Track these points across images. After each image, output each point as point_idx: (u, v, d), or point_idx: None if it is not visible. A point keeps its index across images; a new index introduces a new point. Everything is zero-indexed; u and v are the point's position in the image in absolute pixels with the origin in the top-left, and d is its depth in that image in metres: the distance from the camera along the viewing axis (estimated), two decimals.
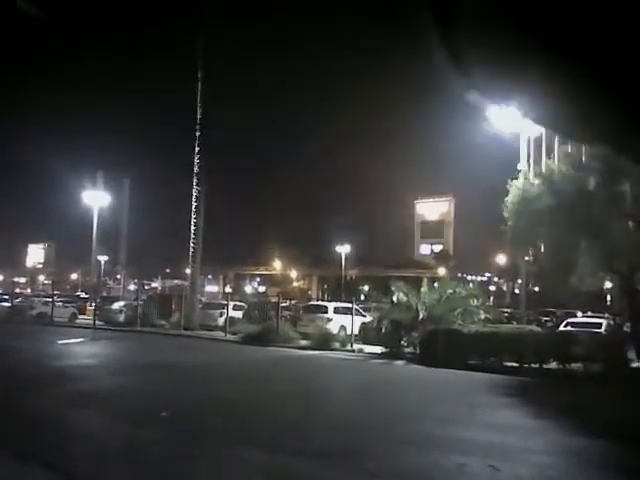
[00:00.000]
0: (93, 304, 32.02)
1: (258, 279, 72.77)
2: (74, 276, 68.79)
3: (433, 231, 72.68)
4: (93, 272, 46.95)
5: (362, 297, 47.93)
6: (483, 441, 7.05)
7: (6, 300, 32.66)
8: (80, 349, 17.81)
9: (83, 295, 41.67)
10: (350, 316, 21.37)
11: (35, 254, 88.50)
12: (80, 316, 31.46)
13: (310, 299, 47.65)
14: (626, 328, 15.66)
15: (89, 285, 44.68)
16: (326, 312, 23.84)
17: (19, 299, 35.10)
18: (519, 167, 25.57)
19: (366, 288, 60.47)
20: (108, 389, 9.97)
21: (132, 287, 56.98)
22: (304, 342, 20.58)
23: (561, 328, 20.15)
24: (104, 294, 40.19)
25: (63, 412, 7.82)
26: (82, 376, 11.54)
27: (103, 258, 57.77)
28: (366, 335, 20.78)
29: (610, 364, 14.07)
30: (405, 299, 19.50)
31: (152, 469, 5.54)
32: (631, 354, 14.51)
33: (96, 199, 38.85)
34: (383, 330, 18.40)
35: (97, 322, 28.18)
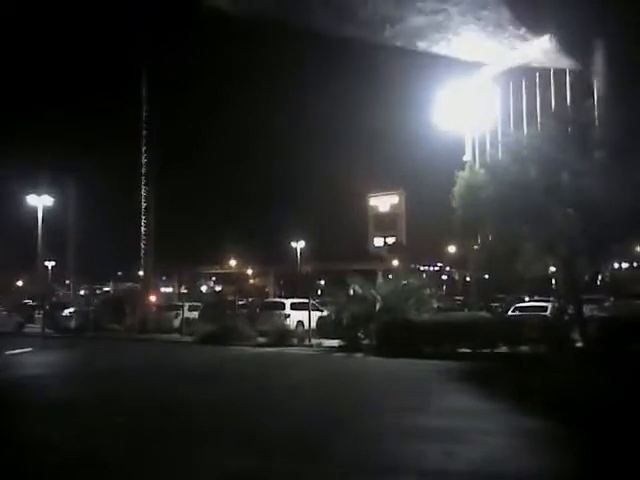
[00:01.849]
0: (41, 311, 30.86)
1: (214, 278, 71.99)
2: (19, 283, 66.00)
3: (386, 224, 73.81)
4: (40, 278, 45.19)
5: (319, 292, 48.25)
6: (438, 426, 7.31)
7: None
8: (29, 359, 17.17)
9: (30, 302, 40.04)
10: (307, 311, 21.51)
11: None
12: (28, 325, 30.24)
13: (267, 296, 47.55)
14: (570, 310, 16.42)
15: (36, 292, 42.92)
16: (283, 308, 23.89)
17: None
18: (464, 159, 26.39)
19: (322, 283, 60.91)
20: (60, 398, 9.70)
21: (83, 292, 55.22)
22: (262, 339, 20.57)
23: (509, 313, 20.95)
24: (53, 300, 38.72)
25: (18, 423, 7.57)
26: (33, 386, 11.17)
27: (50, 263, 55.66)
28: (324, 329, 20.97)
29: (556, 345, 14.77)
30: (361, 292, 19.81)
31: (109, 475, 5.47)
32: (575, 335, 15.25)
33: (40, 201, 37.34)
34: (344, 322, 18.61)
35: (46, 330, 27.20)
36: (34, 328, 29.24)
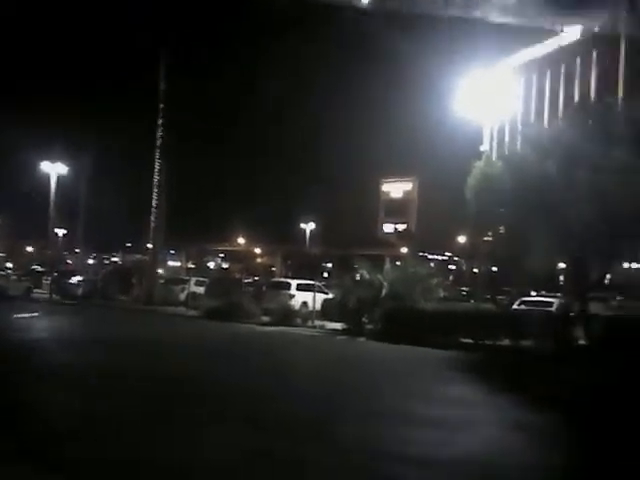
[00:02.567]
0: (49, 278, 31.22)
1: (222, 255, 72.24)
2: (30, 249, 66.67)
3: (397, 210, 73.27)
4: (50, 245, 45.62)
5: (325, 274, 48.32)
6: (436, 414, 7.31)
7: None
8: (35, 323, 17.40)
9: (39, 269, 40.50)
10: (312, 293, 21.55)
11: None
12: (36, 290, 30.63)
13: (273, 276, 47.70)
14: (575, 307, 16.30)
15: (46, 258, 43.37)
16: (289, 289, 23.95)
17: None
18: (482, 149, 26.11)
19: (329, 265, 60.96)
20: (60, 363, 9.83)
21: (91, 261, 55.69)
22: (266, 318, 20.68)
23: (515, 307, 20.85)
24: (62, 267, 39.12)
25: (21, 385, 7.68)
26: (38, 349, 11.33)
27: (61, 231, 56.08)
28: (328, 312, 21.03)
29: (559, 342, 14.70)
30: (367, 276, 19.79)
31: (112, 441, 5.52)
32: (579, 332, 15.16)
33: (54, 168, 37.53)
34: (349, 305, 18.64)
35: (54, 296, 27.53)
36: (42, 294, 29.61)
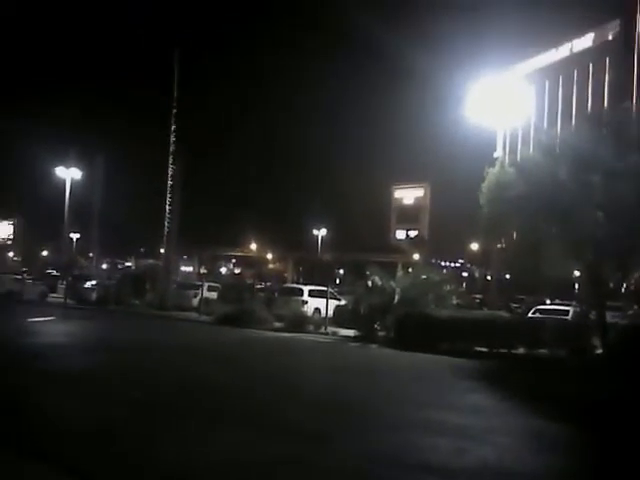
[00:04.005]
0: (64, 282, 31.51)
1: (234, 260, 72.51)
2: (45, 253, 67.42)
3: (409, 217, 73.18)
4: (64, 249, 46.09)
5: (337, 281, 48.26)
6: (452, 422, 7.25)
7: None
8: (50, 328, 17.55)
9: (54, 273, 40.91)
10: (325, 299, 21.53)
11: (3, 230, 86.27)
12: (51, 294, 30.93)
13: (285, 282, 47.75)
14: (592, 316, 16.10)
15: (60, 263, 43.81)
16: (301, 295, 23.94)
17: None
18: (495, 155, 25.95)
19: (341, 272, 60.88)
20: (77, 367, 9.89)
21: (105, 266, 56.16)
22: (278, 324, 20.67)
23: (530, 315, 20.65)
24: (76, 272, 39.50)
25: (36, 389, 7.74)
26: (53, 355, 11.41)
27: (75, 235, 56.68)
28: (340, 318, 20.98)
29: (575, 350, 14.52)
30: (380, 283, 19.73)
31: (128, 446, 5.55)
32: (596, 341, 14.97)
33: (68, 174, 37.97)
34: (362, 312, 18.58)
35: (68, 301, 27.77)
36: (57, 298, 29.89)
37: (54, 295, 30.95)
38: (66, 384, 8.43)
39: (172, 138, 29.47)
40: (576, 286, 32.98)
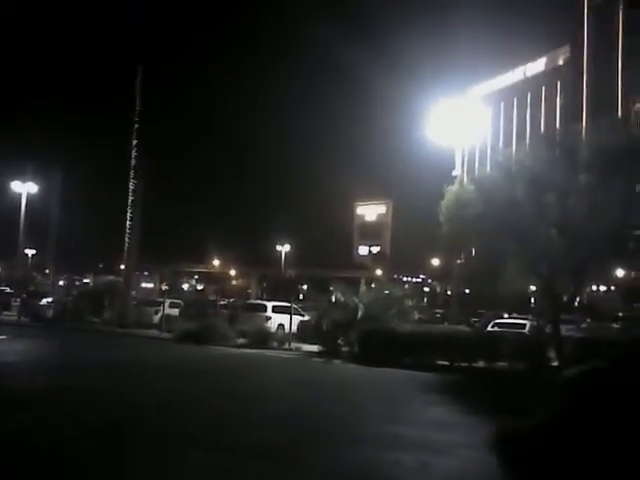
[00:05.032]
0: (18, 299, 30.38)
1: (196, 276, 71.50)
2: None
3: (372, 233, 74.00)
4: (19, 265, 44.51)
5: (301, 296, 48.24)
6: (416, 437, 7.38)
7: None
8: (1, 347, 16.90)
9: (7, 290, 39.37)
10: (289, 315, 21.50)
11: None
12: (4, 312, 29.72)
13: (249, 298, 47.40)
14: (547, 329, 16.66)
15: (14, 279, 42.24)
16: (265, 311, 23.83)
17: None
18: (454, 173, 26.71)
19: (305, 287, 60.89)
20: (31, 388, 9.58)
21: (62, 282, 54.43)
22: (242, 341, 20.50)
23: (489, 329, 21.17)
24: (31, 289, 38.14)
25: None
26: (5, 374, 11.01)
27: (31, 251, 54.82)
28: (304, 334, 20.99)
29: (532, 363, 14.97)
30: (343, 299, 19.89)
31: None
32: (551, 353, 15.47)
33: (25, 188, 36.88)
34: (325, 328, 18.66)
35: (22, 318, 26.80)
36: (10, 316, 28.77)
37: (7, 313, 29.74)
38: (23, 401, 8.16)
39: (133, 152, 29.08)
40: (532, 300, 34.02)
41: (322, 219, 63.81)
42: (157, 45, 29.12)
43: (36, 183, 37.77)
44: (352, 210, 76.69)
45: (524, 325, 20.36)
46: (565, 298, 16.68)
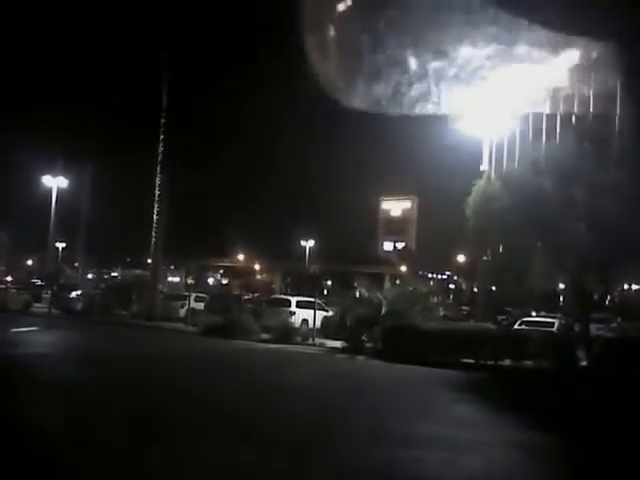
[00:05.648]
0: (49, 291, 31.15)
1: (221, 271, 72.16)
2: (29, 262, 66.61)
3: (396, 229, 73.62)
4: (50, 259, 45.59)
5: (325, 292, 48.27)
6: (440, 435, 7.28)
7: None
8: (33, 338, 17.32)
9: (39, 282, 40.40)
10: (312, 310, 21.51)
11: None
12: (35, 304, 30.53)
13: (273, 292, 47.63)
14: (576, 328, 16.30)
15: (45, 272, 43.31)
16: (289, 306, 23.90)
17: None
18: (482, 168, 26.26)
19: (329, 283, 60.89)
20: (61, 378, 9.79)
21: (90, 276, 55.61)
22: (266, 335, 20.60)
23: (516, 327, 20.82)
24: (61, 281, 39.04)
25: (18, 401, 7.65)
26: (36, 365, 11.28)
27: (61, 245, 56.10)
28: (328, 329, 20.98)
29: (560, 362, 14.66)
30: (367, 294, 19.80)
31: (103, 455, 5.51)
32: (580, 353, 15.13)
33: (55, 182, 37.71)
34: (349, 324, 18.61)
35: (53, 310, 27.45)
36: (41, 308, 29.52)
37: (38, 305, 30.53)
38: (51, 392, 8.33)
39: (160, 147, 29.42)
40: (561, 298, 33.36)
41: (347, 214, 63.60)
42: (186, 44, 29.33)
43: (66, 178, 38.54)
44: (377, 205, 76.37)
45: (552, 324, 19.97)
46: (595, 297, 16.29)
